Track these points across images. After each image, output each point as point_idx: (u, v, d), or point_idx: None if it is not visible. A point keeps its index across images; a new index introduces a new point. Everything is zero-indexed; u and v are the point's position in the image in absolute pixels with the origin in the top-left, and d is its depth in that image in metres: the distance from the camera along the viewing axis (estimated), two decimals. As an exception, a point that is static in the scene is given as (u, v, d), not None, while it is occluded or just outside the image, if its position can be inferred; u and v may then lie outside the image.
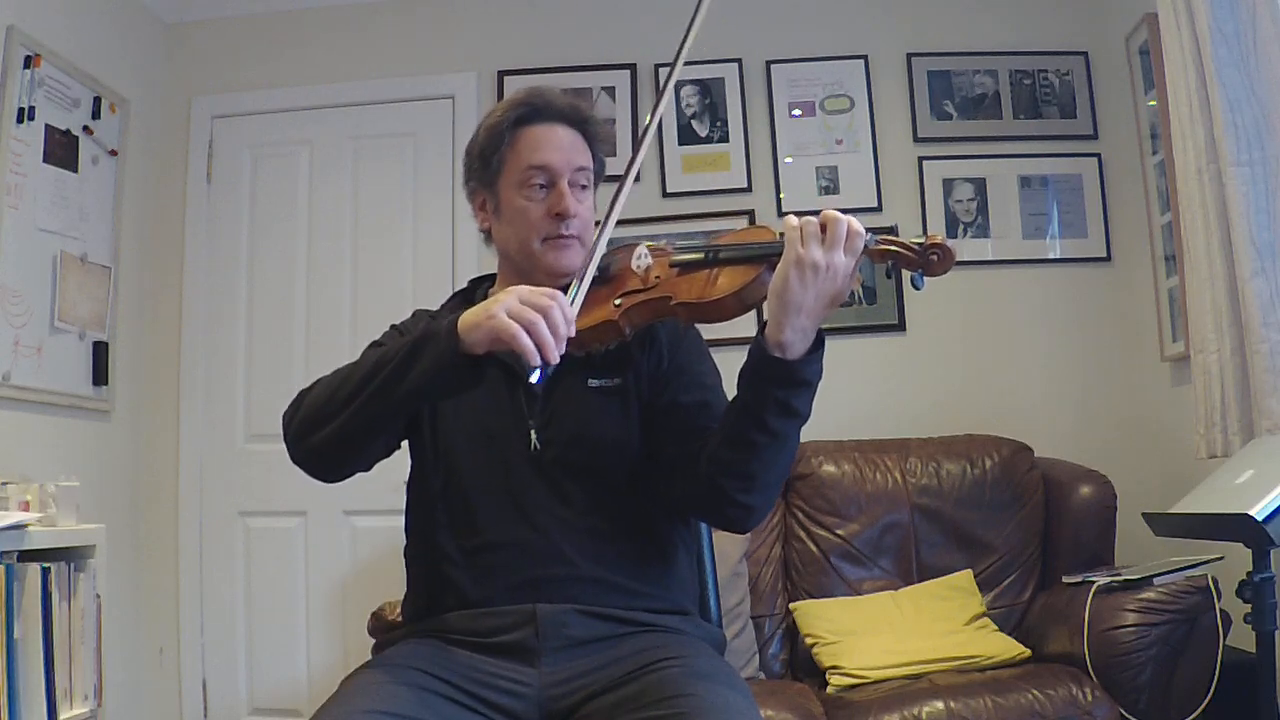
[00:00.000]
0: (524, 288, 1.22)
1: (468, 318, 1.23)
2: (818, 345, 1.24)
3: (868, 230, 1.22)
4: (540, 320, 1.17)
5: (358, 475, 1.40)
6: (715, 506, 1.34)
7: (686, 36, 1.39)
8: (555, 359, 1.17)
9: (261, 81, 3.48)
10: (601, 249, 1.32)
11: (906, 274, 1.23)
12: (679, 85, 3.36)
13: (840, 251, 1.19)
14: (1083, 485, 2.72)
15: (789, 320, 1.20)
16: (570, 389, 1.41)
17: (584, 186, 1.47)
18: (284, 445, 1.41)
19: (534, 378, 1.17)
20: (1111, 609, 2.22)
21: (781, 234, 1.24)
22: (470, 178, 1.52)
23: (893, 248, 1.22)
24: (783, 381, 1.23)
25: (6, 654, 2.01)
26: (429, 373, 1.24)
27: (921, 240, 1.21)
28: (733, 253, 1.30)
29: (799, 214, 1.23)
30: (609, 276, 1.36)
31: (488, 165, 1.48)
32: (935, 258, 1.20)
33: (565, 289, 1.36)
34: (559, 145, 1.45)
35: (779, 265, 1.21)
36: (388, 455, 1.40)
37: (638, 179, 3.38)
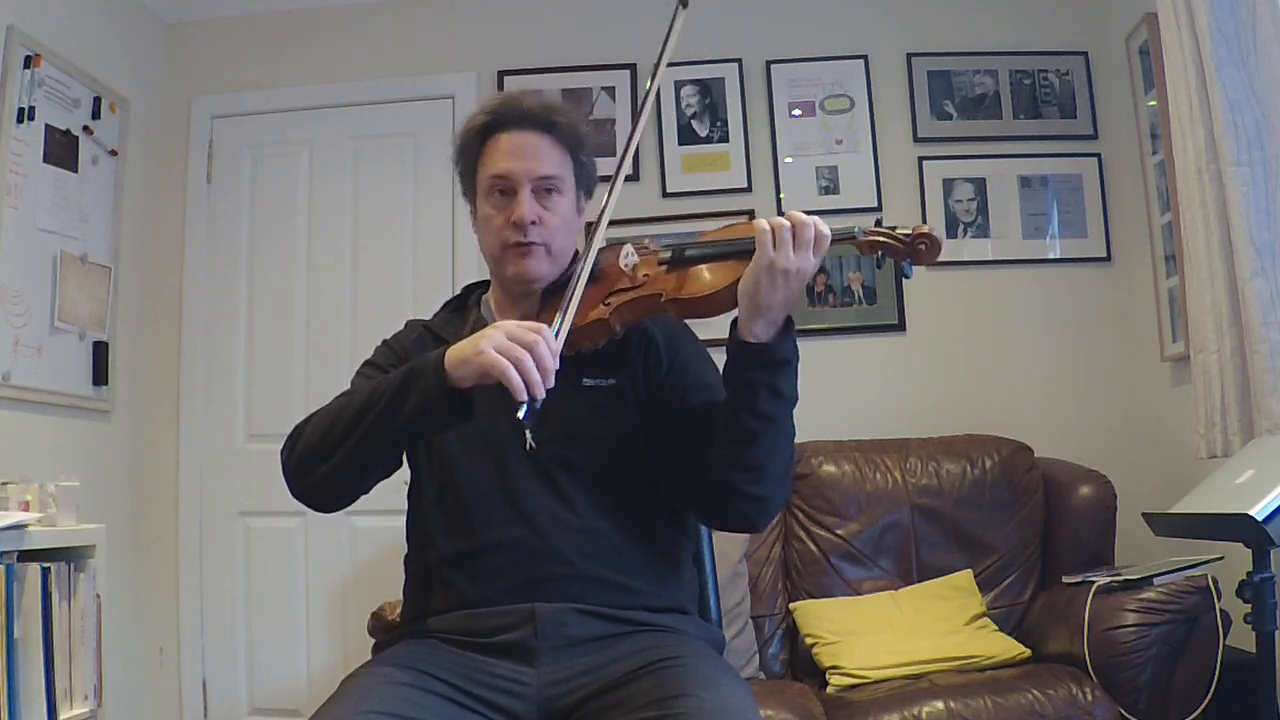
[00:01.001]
0: (510, 322, 1.24)
1: (455, 353, 1.24)
2: (788, 325, 1.28)
3: (854, 225, 1.25)
4: (527, 356, 1.18)
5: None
6: (728, 504, 1.34)
7: (662, 53, 1.41)
8: (542, 395, 1.19)
9: (261, 81, 3.49)
10: (585, 274, 1.32)
11: (897, 263, 1.26)
12: (679, 85, 3.36)
13: (809, 254, 1.23)
14: (1083, 485, 2.72)
15: (759, 317, 1.25)
16: (565, 388, 1.41)
17: (549, 192, 1.46)
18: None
19: (521, 413, 1.18)
20: (1111, 609, 2.22)
21: None
22: (461, 184, 1.56)
23: (881, 238, 1.25)
24: (763, 364, 1.26)
25: (6, 654, 2.01)
26: (418, 410, 1.26)
27: (909, 230, 1.24)
28: (719, 249, 1.33)
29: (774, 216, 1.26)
30: (597, 276, 1.37)
31: (463, 176, 1.52)
32: (923, 247, 1.24)
33: (558, 288, 1.37)
34: (519, 153, 1.45)
35: (748, 269, 1.24)
36: (387, 476, 1.41)
37: (637, 179, 3.40)
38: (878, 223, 1.27)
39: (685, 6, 1.43)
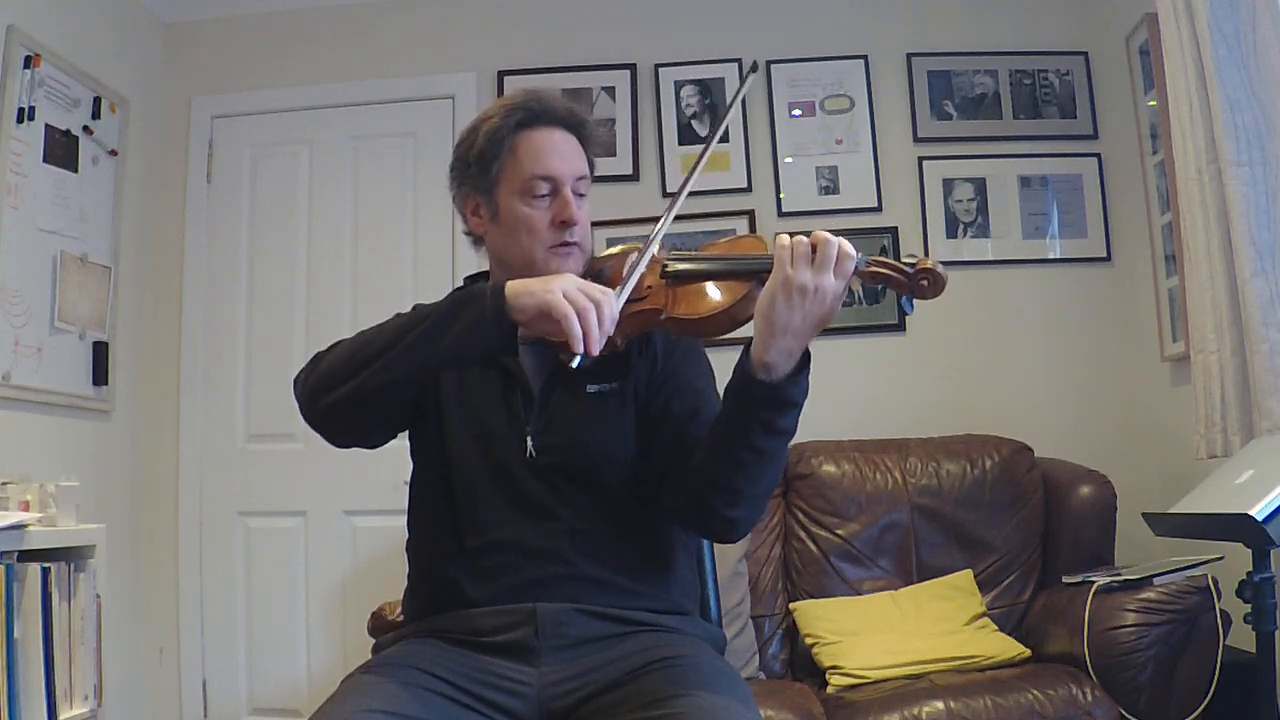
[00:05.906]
0: (577, 278, 1.25)
1: (518, 284, 1.24)
2: (804, 365, 1.22)
3: (858, 250, 1.21)
4: (593, 309, 1.19)
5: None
6: (702, 519, 1.34)
7: (728, 110, 1.42)
8: (596, 351, 1.19)
9: (261, 81, 3.49)
10: (649, 256, 1.32)
11: (899, 297, 1.22)
12: (679, 85, 3.35)
13: (829, 274, 1.18)
14: (1083, 485, 2.72)
15: (774, 341, 1.19)
16: (569, 395, 1.41)
17: (582, 195, 1.45)
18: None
19: (575, 363, 1.19)
20: (1111, 609, 2.22)
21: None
22: (464, 182, 1.48)
23: (884, 270, 1.21)
24: (767, 403, 1.22)
25: (6, 654, 2.01)
26: (467, 329, 1.24)
27: (913, 263, 1.20)
28: (725, 266, 1.30)
29: (791, 233, 1.22)
30: (604, 283, 1.35)
31: (486, 171, 1.44)
32: (925, 283, 1.19)
33: None
34: (562, 153, 1.44)
35: (766, 285, 1.20)
36: (392, 437, 1.41)
37: (636, 179, 3.39)
38: (883, 250, 1.24)
39: (755, 71, 1.44)
